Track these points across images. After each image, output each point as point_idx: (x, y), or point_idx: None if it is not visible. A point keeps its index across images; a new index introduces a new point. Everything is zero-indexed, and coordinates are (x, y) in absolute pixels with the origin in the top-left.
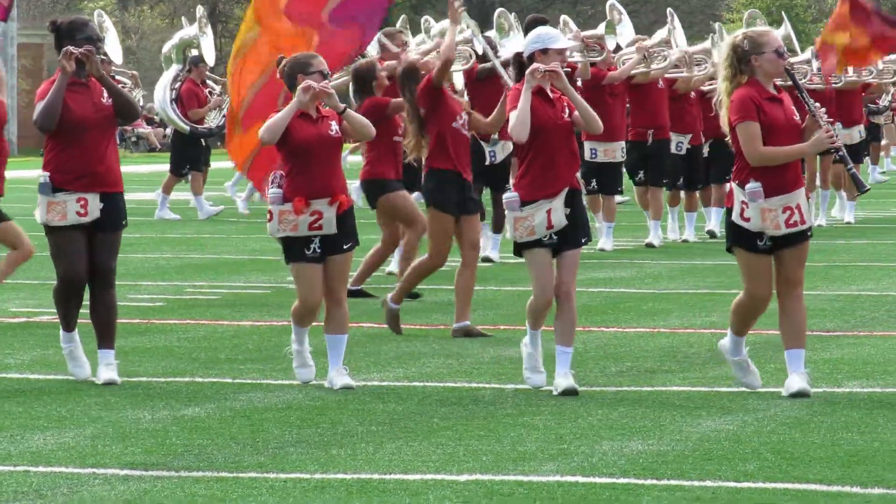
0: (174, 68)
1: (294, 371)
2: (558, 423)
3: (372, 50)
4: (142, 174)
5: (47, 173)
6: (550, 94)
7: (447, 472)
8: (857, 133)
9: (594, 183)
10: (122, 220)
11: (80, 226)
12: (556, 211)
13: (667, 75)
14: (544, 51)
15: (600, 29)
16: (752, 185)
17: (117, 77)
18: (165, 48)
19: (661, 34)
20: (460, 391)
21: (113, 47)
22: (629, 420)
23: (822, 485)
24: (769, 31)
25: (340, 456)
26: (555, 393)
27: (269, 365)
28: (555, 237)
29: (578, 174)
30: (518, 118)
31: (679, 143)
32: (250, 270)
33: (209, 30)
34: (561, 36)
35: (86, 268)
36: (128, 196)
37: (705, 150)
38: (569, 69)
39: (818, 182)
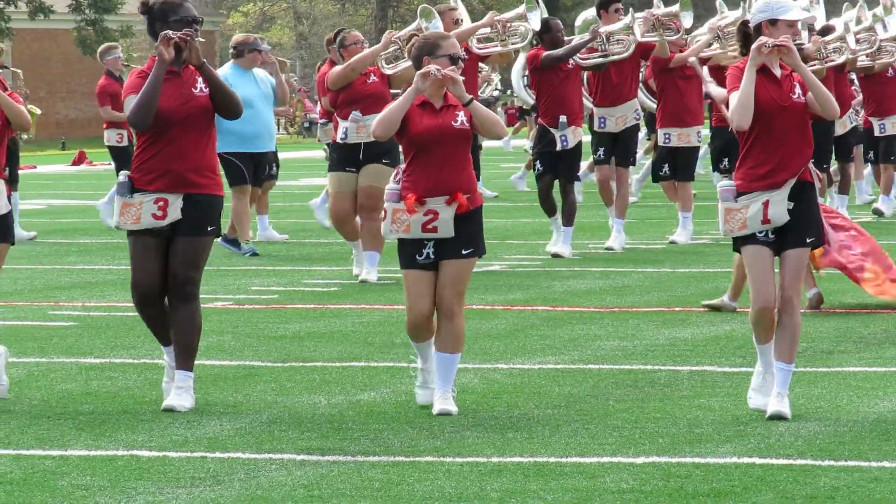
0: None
1: (415, 391)
2: (734, 405)
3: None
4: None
5: (127, 172)
6: (777, 73)
7: (624, 455)
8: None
9: (666, 168)
10: (208, 225)
11: (160, 231)
12: (774, 204)
13: (704, 54)
14: (773, 21)
15: (675, 7)
16: None
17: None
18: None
19: (734, 14)
20: (635, 373)
21: None
22: (805, 401)
23: None
24: None
25: (517, 439)
26: (767, 414)
27: None
28: (771, 235)
29: (810, 164)
30: (739, 101)
31: None
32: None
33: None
34: (794, 4)
35: (157, 277)
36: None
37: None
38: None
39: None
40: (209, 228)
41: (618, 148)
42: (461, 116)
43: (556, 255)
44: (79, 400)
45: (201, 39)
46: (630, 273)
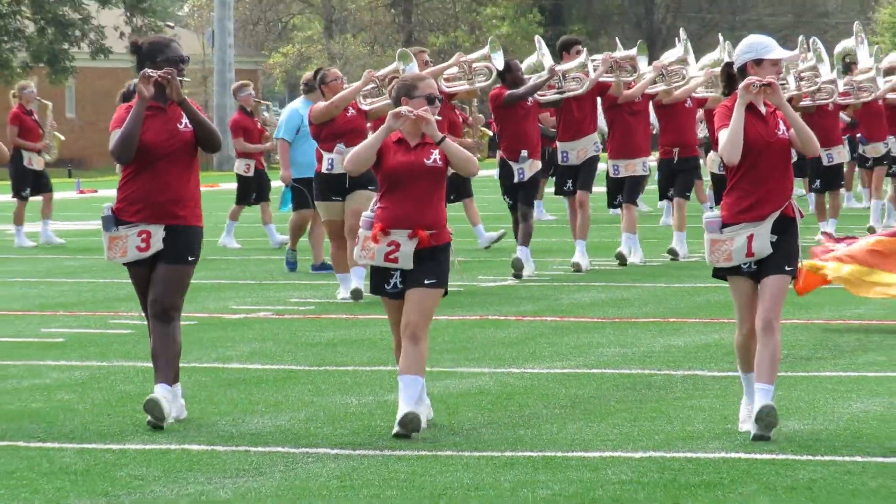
0: None
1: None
2: (723, 406)
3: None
4: None
5: (110, 205)
6: (763, 110)
7: (623, 450)
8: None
9: (620, 197)
10: (189, 255)
11: (147, 261)
12: (759, 237)
13: (696, 95)
14: (758, 61)
15: (633, 51)
16: None
17: None
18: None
19: (675, 52)
20: (634, 377)
21: None
22: (786, 402)
23: None
24: None
25: (527, 436)
26: (751, 437)
27: (462, 355)
28: (754, 266)
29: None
30: (730, 138)
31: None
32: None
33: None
34: (776, 45)
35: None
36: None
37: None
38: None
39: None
40: (189, 258)
41: (580, 174)
42: (435, 154)
43: (517, 269)
44: (136, 400)
45: (187, 79)
46: (629, 287)
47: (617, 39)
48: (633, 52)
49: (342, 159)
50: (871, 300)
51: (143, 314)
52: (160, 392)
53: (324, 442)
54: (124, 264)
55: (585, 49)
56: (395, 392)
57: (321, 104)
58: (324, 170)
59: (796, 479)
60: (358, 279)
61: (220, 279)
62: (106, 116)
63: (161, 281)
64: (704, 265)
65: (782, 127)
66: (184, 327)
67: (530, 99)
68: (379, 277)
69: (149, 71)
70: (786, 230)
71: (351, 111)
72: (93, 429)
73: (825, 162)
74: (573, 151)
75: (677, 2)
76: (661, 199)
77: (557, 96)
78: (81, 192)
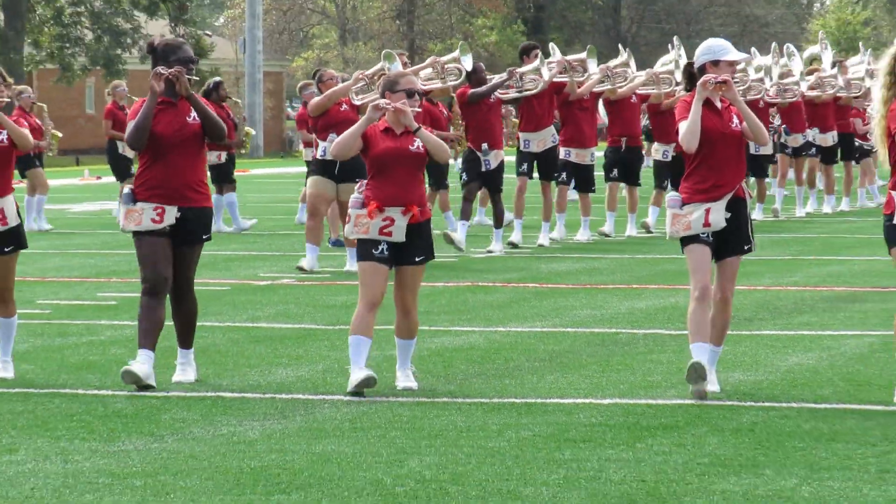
0: None
1: (351, 379)
2: (679, 359)
3: None
4: None
5: (131, 186)
6: (718, 105)
7: (593, 397)
8: (831, 137)
9: (564, 175)
10: (203, 234)
11: (163, 233)
12: (714, 211)
13: (640, 92)
14: (715, 62)
15: (583, 54)
16: None
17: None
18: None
19: (621, 58)
20: (602, 335)
21: None
22: (732, 357)
23: (881, 405)
24: None
25: (511, 385)
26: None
27: (456, 316)
28: (711, 237)
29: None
30: (688, 128)
31: (665, 151)
32: (440, 245)
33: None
34: (732, 48)
35: (164, 271)
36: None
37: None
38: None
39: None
40: (203, 237)
41: (541, 165)
42: (417, 142)
43: (454, 245)
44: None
45: (195, 77)
46: (600, 258)
47: (551, 45)
48: (584, 55)
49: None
50: (805, 268)
51: (143, 284)
52: (182, 357)
53: (338, 390)
54: (135, 235)
55: (541, 53)
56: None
57: (317, 99)
58: (318, 156)
59: (741, 422)
60: (351, 259)
61: (250, 251)
62: None
63: (183, 260)
64: (663, 241)
65: (736, 120)
66: (218, 292)
67: (493, 96)
68: (367, 246)
69: (160, 69)
70: (738, 209)
71: (344, 105)
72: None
73: (752, 151)
74: (534, 141)
75: (640, 14)
76: (606, 180)
77: (517, 94)
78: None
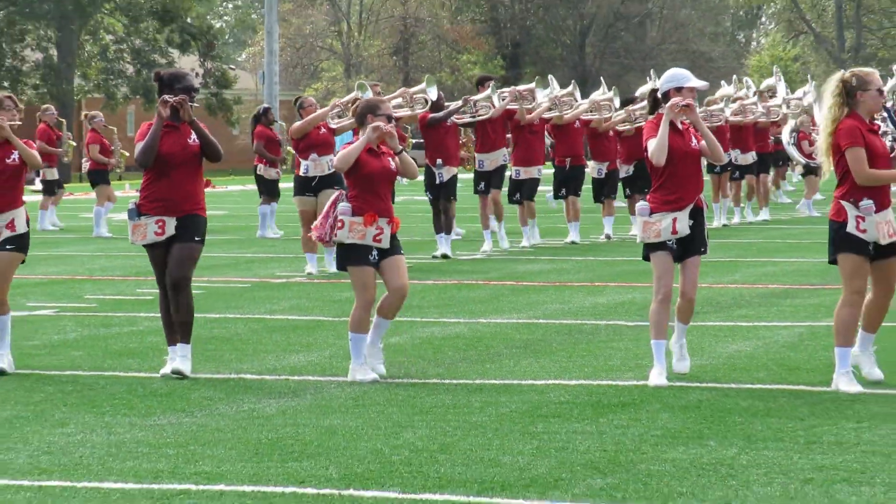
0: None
1: (360, 377)
2: (636, 346)
3: None
4: None
5: (135, 200)
6: (680, 126)
7: (562, 379)
8: (751, 157)
9: (518, 195)
10: (195, 235)
11: (163, 244)
12: (680, 220)
13: (584, 117)
14: (679, 89)
15: (532, 84)
16: (866, 203)
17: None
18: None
19: (568, 90)
20: (569, 326)
21: None
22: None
23: (808, 386)
24: (873, 71)
25: (492, 368)
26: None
27: (444, 309)
28: (675, 245)
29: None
30: (657, 145)
31: (599, 169)
32: (432, 246)
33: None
34: (692, 76)
35: None
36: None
37: (629, 170)
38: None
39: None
40: (196, 238)
41: (492, 179)
42: (392, 162)
43: (444, 256)
44: (205, 342)
45: (196, 105)
46: (566, 260)
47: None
48: (532, 85)
49: (315, 165)
50: (744, 269)
51: (158, 287)
52: (182, 350)
53: (342, 372)
54: (143, 246)
55: (493, 84)
56: (396, 337)
57: (299, 123)
58: (301, 173)
59: (688, 400)
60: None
61: (268, 254)
62: None
63: (174, 258)
64: (622, 245)
65: (695, 140)
66: (240, 289)
67: (450, 120)
68: (362, 252)
69: (167, 97)
70: (697, 216)
71: (322, 129)
72: None
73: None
74: (487, 160)
75: (602, 51)
76: (555, 197)
77: (471, 119)
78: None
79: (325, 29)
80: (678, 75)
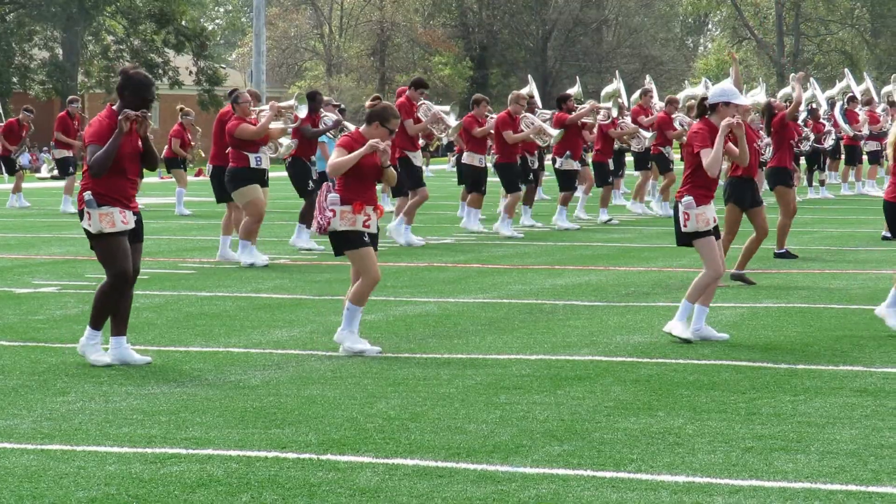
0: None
1: (364, 350)
2: (591, 324)
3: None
4: None
5: (90, 191)
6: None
7: (524, 354)
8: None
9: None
10: (142, 233)
11: (125, 233)
12: (713, 211)
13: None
14: (727, 104)
15: (446, 108)
16: None
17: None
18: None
19: (545, 115)
20: (531, 305)
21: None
22: (633, 323)
23: (749, 362)
24: None
25: (459, 344)
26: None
27: (416, 289)
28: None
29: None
30: (714, 158)
31: (561, 162)
32: (429, 228)
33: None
34: (740, 94)
35: (131, 265)
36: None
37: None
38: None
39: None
40: (142, 236)
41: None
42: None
43: (409, 244)
44: (196, 318)
45: (150, 113)
46: (529, 245)
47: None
48: (447, 106)
49: (263, 159)
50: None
51: (114, 276)
52: (124, 342)
53: (322, 347)
54: (112, 235)
55: (453, 104)
56: (371, 314)
57: (251, 128)
58: (252, 165)
59: (639, 374)
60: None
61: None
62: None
63: (136, 252)
64: (579, 232)
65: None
66: (229, 269)
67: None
68: (358, 235)
69: (130, 113)
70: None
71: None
72: (167, 337)
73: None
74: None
75: (562, 54)
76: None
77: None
78: (163, 178)
79: (309, 32)
80: (729, 91)
